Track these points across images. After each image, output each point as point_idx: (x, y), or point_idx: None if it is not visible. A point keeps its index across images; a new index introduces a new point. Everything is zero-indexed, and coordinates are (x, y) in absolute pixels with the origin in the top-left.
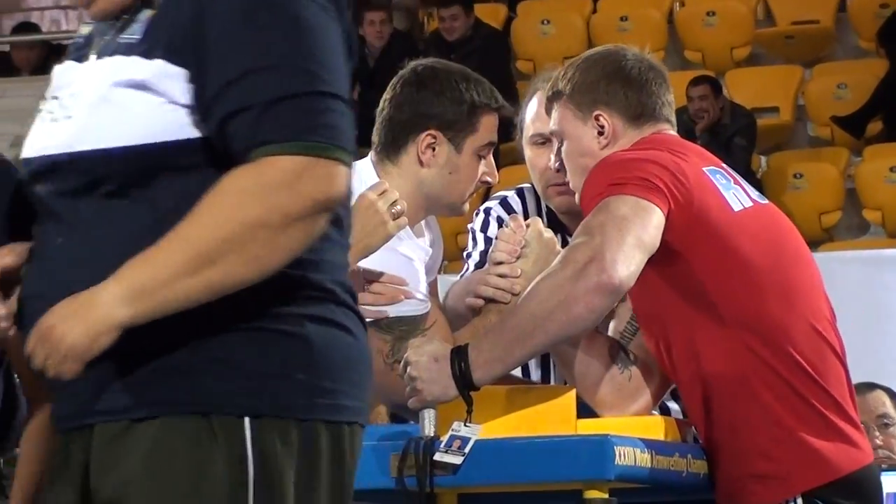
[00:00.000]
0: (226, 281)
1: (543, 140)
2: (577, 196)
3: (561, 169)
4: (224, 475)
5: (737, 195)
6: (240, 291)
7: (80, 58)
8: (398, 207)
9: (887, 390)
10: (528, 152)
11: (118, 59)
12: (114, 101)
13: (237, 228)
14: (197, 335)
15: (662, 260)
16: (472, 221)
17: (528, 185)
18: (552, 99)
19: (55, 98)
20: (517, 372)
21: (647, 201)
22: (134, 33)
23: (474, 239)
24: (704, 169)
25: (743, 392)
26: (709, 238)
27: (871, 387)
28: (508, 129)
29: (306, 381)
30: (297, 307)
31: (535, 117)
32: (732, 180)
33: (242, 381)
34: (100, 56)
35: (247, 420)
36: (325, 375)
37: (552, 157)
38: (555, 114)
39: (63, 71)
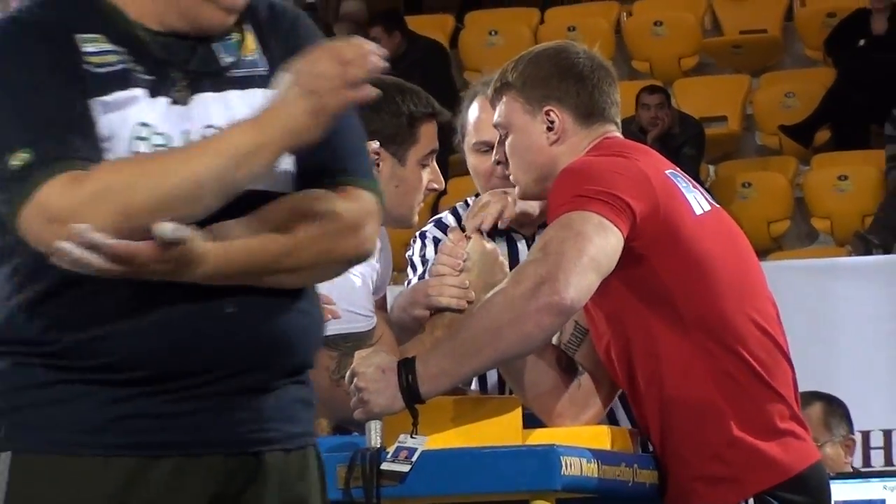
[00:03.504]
0: None
1: (487, 148)
2: (517, 189)
3: (503, 162)
4: None
5: (697, 199)
6: None
7: (182, 88)
8: None
9: (827, 400)
10: (471, 159)
11: (260, 94)
12: None
13: None
14: None
15: (626, 263)
16: (409, 249)
17: (462, 203)
18: (500, 91)
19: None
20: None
21: (608, 221)
22: (257, 65)
23: (413, 266)
24: (666, 172)
25: (698, 393)
26: (674, 242)
27: (809, 400)
28: (456, 140)
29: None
30: None
31: (478, 124)
32: (690, 184)
33: None
34: (220, 87)
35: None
36: None
37: (495, 149)
38: (501, 106)
39: (200, 101)
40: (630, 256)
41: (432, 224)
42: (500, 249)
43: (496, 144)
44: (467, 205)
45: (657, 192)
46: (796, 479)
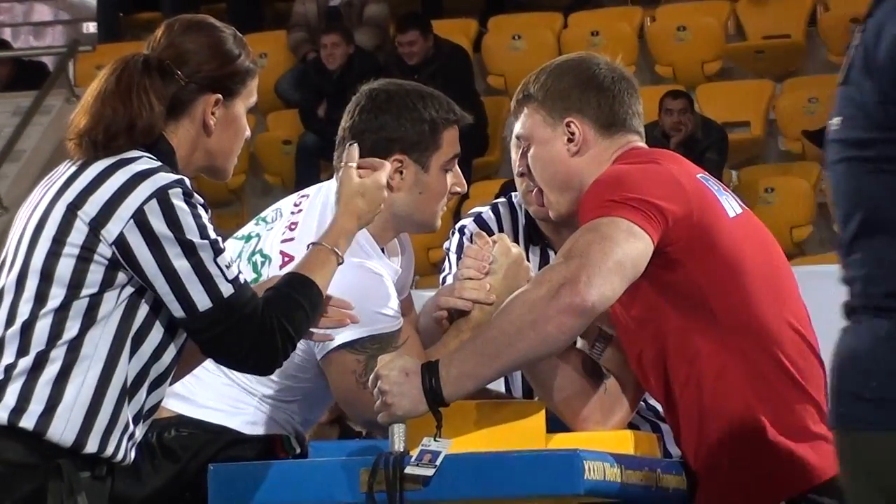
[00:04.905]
0: None
1: None
2: (544, 199)
3: (525, 173)
4: None
5: (729, 202)
6: None
7: None
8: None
9: None
10: (512, 153)
11: None
12: None
13: None
14: None
15: (661, 269)
16: (448, 239)
17: (503, 200)
18: (522, 102)
19: None
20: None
21: (638, 227)
22: None
23: (449, 260)
24: (698, 176)
25: (734, 397)
26: (711, 245)
27: None
28: (480, 144)
29: None
30: None
31: None
32: (721, 188)
33: None
34: None
35: None
36: None
37: (517, 160)
38: (523, 117)
39: None
40: (665, 262)
41: (471, 220)
42: (533, 260)
43: (518, 157)
44: (510, 202)
45: (690, 196)
46: (829, 483)
